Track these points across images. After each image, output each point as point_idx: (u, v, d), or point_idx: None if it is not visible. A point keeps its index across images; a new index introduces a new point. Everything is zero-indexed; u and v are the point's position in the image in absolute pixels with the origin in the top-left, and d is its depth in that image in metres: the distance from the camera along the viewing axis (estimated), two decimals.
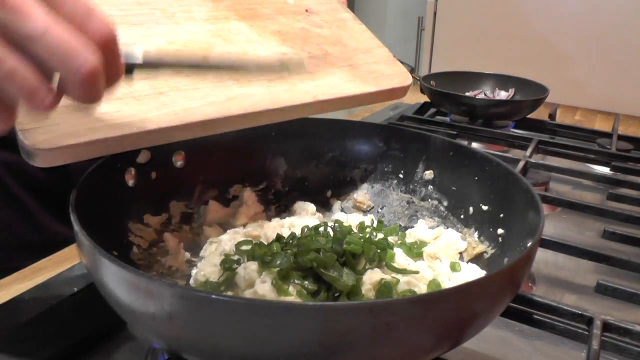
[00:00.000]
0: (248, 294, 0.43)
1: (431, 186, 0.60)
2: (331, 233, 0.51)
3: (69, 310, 0.48)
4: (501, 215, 0.51)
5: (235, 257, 0.48)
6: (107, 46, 0.32)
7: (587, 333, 0.45)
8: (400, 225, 0.59)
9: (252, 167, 0.61)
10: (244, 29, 0.52)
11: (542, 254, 0.63)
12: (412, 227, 0.58)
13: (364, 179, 0.63)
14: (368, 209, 0.62)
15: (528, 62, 1.39)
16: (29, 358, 0.43)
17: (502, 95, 1.16)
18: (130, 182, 0.52)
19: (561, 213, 0.76)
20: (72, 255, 0.61)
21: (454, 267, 0.50)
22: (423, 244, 0.54)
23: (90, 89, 0.32)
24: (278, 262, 0.44)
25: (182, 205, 0.57)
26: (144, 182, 0.53)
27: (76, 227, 0.37)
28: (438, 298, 0.33)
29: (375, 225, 0.57)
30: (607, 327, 0.45)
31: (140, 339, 0.47)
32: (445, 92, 1.06)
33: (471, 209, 0.55)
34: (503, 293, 0.37)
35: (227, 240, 0.52)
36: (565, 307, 0.46)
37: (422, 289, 0.47)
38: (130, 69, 0.35)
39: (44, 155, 0.36)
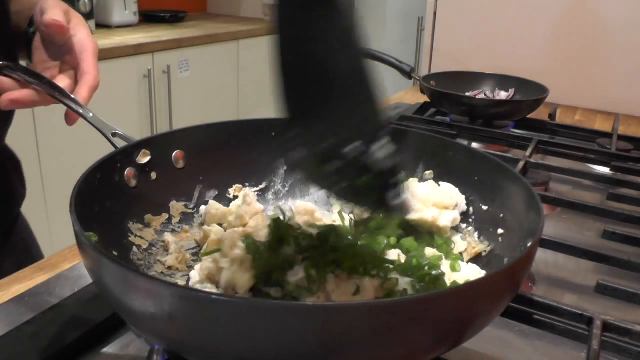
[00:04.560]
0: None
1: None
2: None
3: (69, 310, 0.48)
4: (501, 215, 0.51)
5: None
6: None
7: (587, 333, 0.45)
8: None
9: (251, 168, 0.61)
10: None
11: (542, 254, 0.63)
12: None
13: None
14: None
15: (528, 62, 1.39)
16: (29, 358, 0.43)
17: (502, 95, 1.16)
18: (131, 183, 0.52)
19: (561, 213, 0.76)
20: (72, 255, 0.61)
21: (454, 267, 0.50)
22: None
23: None
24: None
25: (182, 206, 0.57)
26: (144, 183, 0.53)
27: (76, 227, 0.37)
28: (438, 298, 0.33)
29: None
30: (607, 327, 0.45)
31: (141, 339, 0.47)
32: (445, 92, 1.06)
33: (471, 208, 0.55)
34: (503, 293, 0.37)
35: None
36: (565, 307, 0.46)
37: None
38: None
39: None
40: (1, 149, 0.76)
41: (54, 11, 0.57)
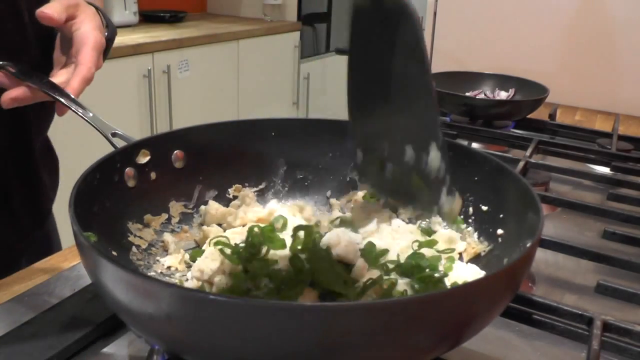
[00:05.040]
0: None
1: None
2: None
3: (69, 310, 0.48)
4: (501, 215, 0.51)
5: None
6: None
7: (587, 333, 0.45)
8: None
9: (251, 167, 0.61)
10: None
11: (542, 254, 0.63)
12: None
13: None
14: None
15: (528, 62, 1.39)
16: (29, 358, 0.43)
17: (502, 95, 1.16)
18: (130, 183, 0.52)
19: (561, 213, 0.75)
20: (72, 255, 0.62)
21: (449, 268, 0.50)
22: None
23: None
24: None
25: (181, 206, 0.57)
26: (143, 183, 0.53)
27: (75, 227, 0.37)
28: (437, 298, 0.33)
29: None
30: (607, 327, 0.45)
31: (141, 339, 0.47)
32: (445, 92, 1.06)
33: (471, 209, 0.55)
34: (502, 293, 0.37)
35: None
36: (565, 307, 0.46)
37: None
38: None
39: None
40: (45, 140, 0.78)
41: (51, 4, 0.57)
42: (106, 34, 0.64)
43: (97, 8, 0.64)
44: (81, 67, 0.56)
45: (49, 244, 0.81)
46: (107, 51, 0.64)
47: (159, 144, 0.55)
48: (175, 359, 0.41)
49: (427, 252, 0.51)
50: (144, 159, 0.53)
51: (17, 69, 0.56)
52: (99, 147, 0.57)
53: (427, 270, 0.47)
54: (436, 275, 0.46)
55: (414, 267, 0.48)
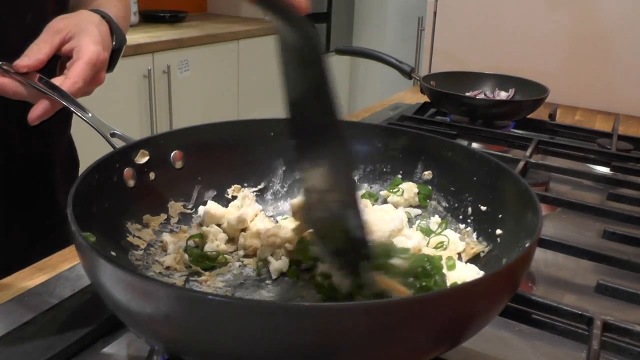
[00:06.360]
0: None
1: (430, 186, 0.59)
2: None
3: (69, 310, 0.48)
4: (500, 215, 0.51)
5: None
6: None
7: (587, 333, 0.45)
8: None
9: (250, 168, 0.61)
10: None
11: (542, 254, 0.62)
12: (410, 227, 0.58)
13: (363, 179, 0.63)
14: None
15: (528, 62, 1.39)
16: (29, 358, 0.43)
17: (502, 95, 1.15)
18: (129, 183, 0.52)
19: (561, 213, 0.75)
20: (72, 255, 0.61)
21: (450, 267, 0.50)
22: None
23: None
24: None
25: (180, 206, 0.57)
26: (142, 183, 0.53)
27: (73, 227, 0.37)
28: (436, 298, 0.33)
29: None
30: (607, 327, 0.45)
31: (141, 339, 0.47)
32: (445, 92, 1.06)
33: (470, 209, 0.55)
34: (501, 293, 0.37)
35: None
36: (565, 307, 0.46)
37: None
38: None
39: None
40: (69, 141, 0.80)
41: (31, 46, 0.57)
42: (114, 43, 0.64)
43: (104, 16, 0.64)
44: (66, 81, 0.56)
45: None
46: (115, 60, 0.64)
47: (158, 144, 0.55)
48: (175, 359, 0.41)
49: (428, 251, 0.51)
50: (142, 159, 0.53)
51: (13, 69, 0.57)
52: (97, 147, 0.57)
53: (429, 270, 0.47)
54: (437, 277, 0.46)
55: (414, 266, 0.47)
